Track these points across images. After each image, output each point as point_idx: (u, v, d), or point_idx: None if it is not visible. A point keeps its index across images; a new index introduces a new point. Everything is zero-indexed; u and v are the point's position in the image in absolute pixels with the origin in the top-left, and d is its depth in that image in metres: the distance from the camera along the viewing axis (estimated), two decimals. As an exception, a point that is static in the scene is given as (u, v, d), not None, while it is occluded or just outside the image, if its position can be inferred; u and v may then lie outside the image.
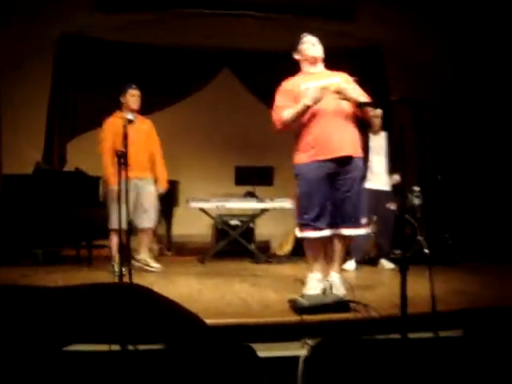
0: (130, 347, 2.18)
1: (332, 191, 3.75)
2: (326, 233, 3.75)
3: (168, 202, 7.33)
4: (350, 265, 5.71)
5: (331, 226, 3.77)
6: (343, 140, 3.77)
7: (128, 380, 2.09)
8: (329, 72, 4.04)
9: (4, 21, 6.81)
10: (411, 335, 2.61)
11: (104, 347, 2.15)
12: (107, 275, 4.96)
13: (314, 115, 3.72)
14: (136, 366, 2.11)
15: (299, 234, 3.82)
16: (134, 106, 5.47)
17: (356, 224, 3.82)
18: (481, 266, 5.87)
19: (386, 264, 5.83)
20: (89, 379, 2.06)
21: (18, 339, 1.76)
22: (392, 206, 5.74)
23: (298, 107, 3.70)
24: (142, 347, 2.14)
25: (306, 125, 3.77)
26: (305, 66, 4.02)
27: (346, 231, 3.81)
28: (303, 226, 3.76)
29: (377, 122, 5.62)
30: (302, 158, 3.80)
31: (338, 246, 3.90)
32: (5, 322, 1.76)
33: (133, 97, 5.49)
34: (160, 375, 2.12)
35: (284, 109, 3.81)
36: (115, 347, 2.19)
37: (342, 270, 4.13)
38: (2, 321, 1.76)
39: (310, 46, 4.04)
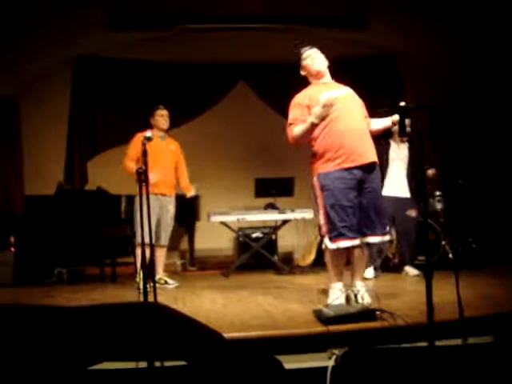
0: (157, 364, 2.19)
1: (358, 199, 3.71)
2: (357, 242, 3.68)
3: (190, 216, 7.36)
4: (369, 272, 5.65)
5: (359, 234, 3.72)
6: (367, 146, 3.75)
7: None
8: (336, 83, 4.01)
9: (22, 42, 6.94)
10: (439, 343, 2.58)
11: (130, 364, 2.17)
12: (132, 293, 4.98)
13: (334, 122, 3.68)
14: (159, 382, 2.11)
15: (331, 245, 3.67)
16: (164, 126, 5.58)
17: (382, 231, 3.78)
18: (506, 270, 5.79)
19: (410, 271, 5.77)
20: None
21: (43, 360, 1.78)
22: (413, 214, 5.69)
23: (305, 125, 3.68)
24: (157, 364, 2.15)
25: (328, 133, 3.71)
26: (313, 80, 4.00)
27: (372, 239, 3.76)
28: (336, 236, 3.64)
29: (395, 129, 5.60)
30: (325, 167, 3.72)
31: (363, 255, 3.87)
32: (29, 343, 1.77)
33: (161, 117, 5.57)
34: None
35: (295, 125, 3.78)
36: (142, 364, 2.21)
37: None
38: (26, 342, 1.78)
39: (312, 60, 3.99)
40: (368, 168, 3.72)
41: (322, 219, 3.76)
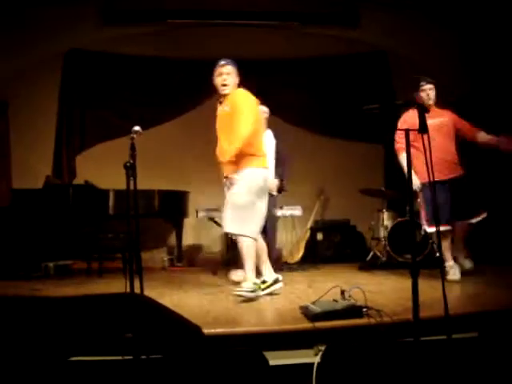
0: (143, 356, 2.18)
1: None
2: None
3: (177, 212, 7.34)
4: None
5: None
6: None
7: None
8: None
9: (12, 35, 6.89)
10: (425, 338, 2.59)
11: (115, 357, 2.16)
12: (118, 287, 4.95)
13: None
14: (137, 375, 2.10)
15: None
16: None
17: None
18: (491, 268, 5.83)
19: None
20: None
21: (25, 349, 1.77)
22: None
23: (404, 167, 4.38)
24: (143, 357, 2.14)
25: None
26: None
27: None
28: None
29: None
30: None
31: None
32: (12, 332, 1.76)
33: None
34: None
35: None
36: (127, 357, 2.20)
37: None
38: (9, 331, 1.77)
39: (428, 95, 5.05)
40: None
41: None
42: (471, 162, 5.48)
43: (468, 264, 5.24)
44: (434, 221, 4.80)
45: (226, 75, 4.41)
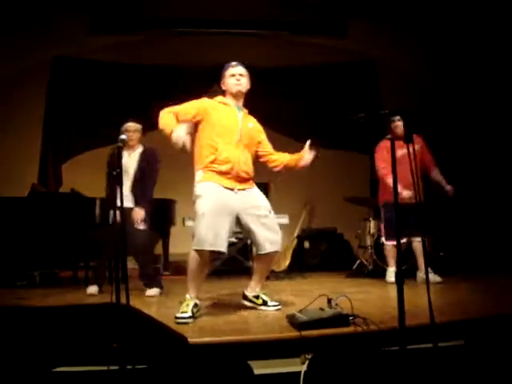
0: (128, 367, 2.17)
1: None
2: None
3: (164, 221, 7.31)
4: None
5: None
6: None
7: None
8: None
9: (-1, 43, 6.88)
10: (411, 347, 2.60)
11: (100, 367, 2.14)
12: (104, 296, 4.93)
13: None
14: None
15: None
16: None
17: None
18: (476, 277, 5.88)
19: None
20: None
21: (9, 359, 1.75)
22: None
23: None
24: (128, 367, 2.12)
25: None
26: None
27: None
28: None
29: None
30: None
31: None
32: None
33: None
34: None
35: None
36: (113, 367, 2.19)
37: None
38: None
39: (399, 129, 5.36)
40: None
41: None
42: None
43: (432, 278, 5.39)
44: (391, 235, 5.64)
45: (239, 76, 4.06)
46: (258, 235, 3.86)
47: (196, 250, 3.75)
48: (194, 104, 4.00)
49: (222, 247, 3.70)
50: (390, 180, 5.36)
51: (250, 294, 4.10)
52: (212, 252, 3.75)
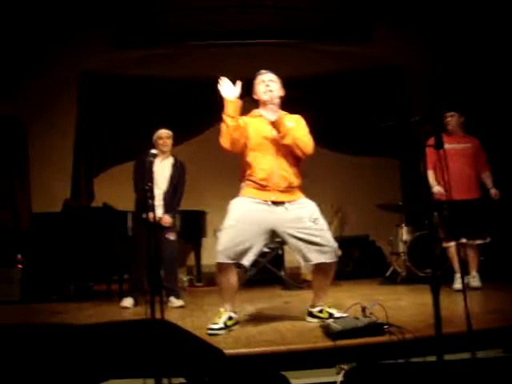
0: (165, 381, 2.18)
1: None
2: None
3: (196, 233, 7.37)
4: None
5: None
6: None
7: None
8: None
9: (28, 61, 7.02)
10: (448, 357, 2.55)
11: (138, 382, 2.16)
12: (137, 309, 4.98)
13: None
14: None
15: None
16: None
17: None
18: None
19: None
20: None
21: (53, 378, 1.77)
22: None
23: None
24: (165, 381, 2.13)
25: None
26: None
27: None
28: None
29: None
30: None
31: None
32: (38, 361, 1.77)
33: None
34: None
35: None
36: (150, 381, 2.20)
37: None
38: (36, 360, 1.78)
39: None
40: None
41: None
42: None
43: (473, 282, 5.39)
44: (450, 236, 5.39)
45: (269, 82, 3.97)
46: (299, 248, 3.72)
47: (217, 263, 3.68)
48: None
49: (244, 260, 3.62)
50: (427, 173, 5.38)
51: (313, 309, 3.92)
52: (235, 264, 3.68)
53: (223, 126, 3.77)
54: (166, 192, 5.31)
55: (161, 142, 5.37)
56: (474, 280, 5.39)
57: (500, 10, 6.45)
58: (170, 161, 5.44)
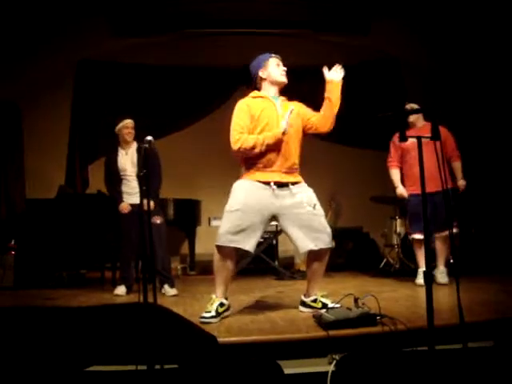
0: (157, 367, 2.18)
1: None
2: None
3: (190, 221, 7.37)
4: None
5: None
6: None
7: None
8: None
9: (26, 47, 6.97)
10: (439, 347, 2.57)
11: (130, 367, 2.16)
12: (131, 296, 4.98)
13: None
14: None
15: None
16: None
17: None
18: (507, 276, 5.78)
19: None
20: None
21: (42, 359, 1.77)
22: None
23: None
24: (157, 367, 2.13)
25: None
26: None
27: None
28: None
29: None
30: None
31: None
32: (27, 342, 1.77)
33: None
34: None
35: None
36: (142, 367, 2.21)
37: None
38: (25, 342, 1.78)
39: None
40: None
41: None
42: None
43: (440, 278, 5.29)
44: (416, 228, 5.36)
45: (283, 66, 3.98)
46: (296, 234, 3.67)
47: (217, 246, 3.68)
48: (244, 113, 3.77)
49: (246, 245, 3.61)
50: (391, 172, 5.73)
51: (307, 299, 3.90)
52: (235, 249, 3.66)
53: (258, 143, 3.66)
54: (140, 177, 5.21)
55: (126, 131, 5.35)
56: (442, 276, 5.29)
57: (492, 8, 6.44)
58: (134, 147, 5.40)
